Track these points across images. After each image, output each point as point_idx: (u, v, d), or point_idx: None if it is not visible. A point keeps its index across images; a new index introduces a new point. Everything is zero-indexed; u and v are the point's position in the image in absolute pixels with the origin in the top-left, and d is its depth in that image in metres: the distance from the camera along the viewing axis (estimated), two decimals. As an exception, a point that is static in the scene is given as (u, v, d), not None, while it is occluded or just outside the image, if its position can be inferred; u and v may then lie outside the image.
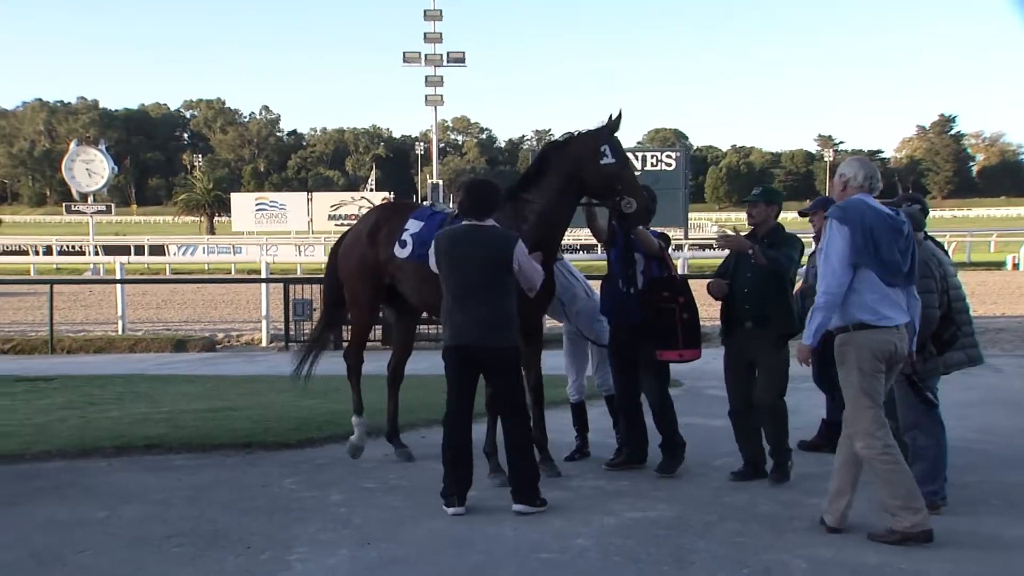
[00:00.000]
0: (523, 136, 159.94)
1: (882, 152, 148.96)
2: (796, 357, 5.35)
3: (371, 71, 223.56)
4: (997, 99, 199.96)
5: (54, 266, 34.02)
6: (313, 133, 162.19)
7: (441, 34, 44.24)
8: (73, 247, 39.58)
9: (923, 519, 4.93)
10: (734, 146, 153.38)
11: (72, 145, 36.88)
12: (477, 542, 5.06)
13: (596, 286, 7.05)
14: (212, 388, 10.11)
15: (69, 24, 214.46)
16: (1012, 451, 7.10)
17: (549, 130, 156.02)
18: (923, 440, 5.60)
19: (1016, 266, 32.73)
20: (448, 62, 44.68)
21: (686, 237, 42.98)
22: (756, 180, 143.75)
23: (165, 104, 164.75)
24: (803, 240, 6.50)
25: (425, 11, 44.16)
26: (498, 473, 6.13)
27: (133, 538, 5.17)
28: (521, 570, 4.66)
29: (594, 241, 6.83)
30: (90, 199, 35.21)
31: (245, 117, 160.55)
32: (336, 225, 53.21)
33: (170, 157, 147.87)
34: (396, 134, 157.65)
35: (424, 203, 7.84)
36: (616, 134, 6.36)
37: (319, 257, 32.24)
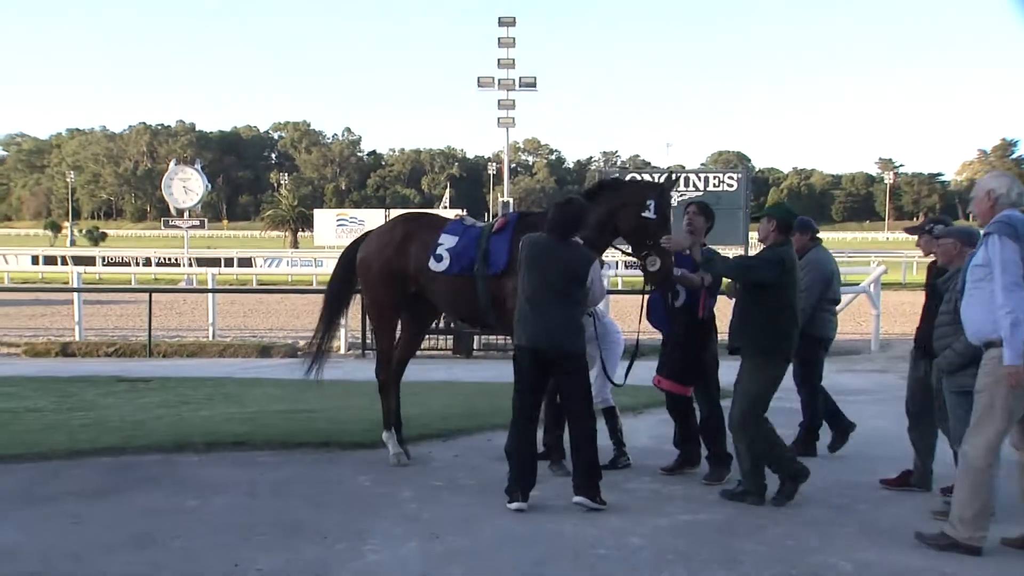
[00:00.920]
0: (590, 157, 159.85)
1: (943, 175, 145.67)
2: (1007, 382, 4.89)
3: (447, 94, 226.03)
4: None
5: (152, 276, 34.98)
6: (391, 153, 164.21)
7: (514, 60, 44.53)
8: (169, 259, 40.68)
9: (980, 538, 4.85)
10: (795, 168, 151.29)
11: (171, 165, 38.00)
12: (538, 538, 5.14)
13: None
14: (294, 391, 10.33)
15: (171, 53, 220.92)
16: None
17: (616, 151, 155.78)
18: (972, 451, 5.53)
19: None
20: (520, 87, 44.94)
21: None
22: (816, 202, 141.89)
23: (255, 126, 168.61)
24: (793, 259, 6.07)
25: (499, 39, 44.52)
26: (560, 466, 6.24)
27: (221, 526, 5.36)
28: (578, 564, 4.73)
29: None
30: (186, 215, 36.20)
31: (328, 138, 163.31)
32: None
33: (258, 175, 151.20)
34: (470, 154, 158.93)
35: (457, 216, 7.83)
36: (667, 194, 6.44)
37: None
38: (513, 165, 50.12)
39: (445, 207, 75.58)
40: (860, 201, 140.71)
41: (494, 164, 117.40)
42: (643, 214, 6.22)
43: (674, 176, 6.47)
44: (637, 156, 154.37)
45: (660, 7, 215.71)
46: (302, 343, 15.43)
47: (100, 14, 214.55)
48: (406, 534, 5.22)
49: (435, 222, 7.11)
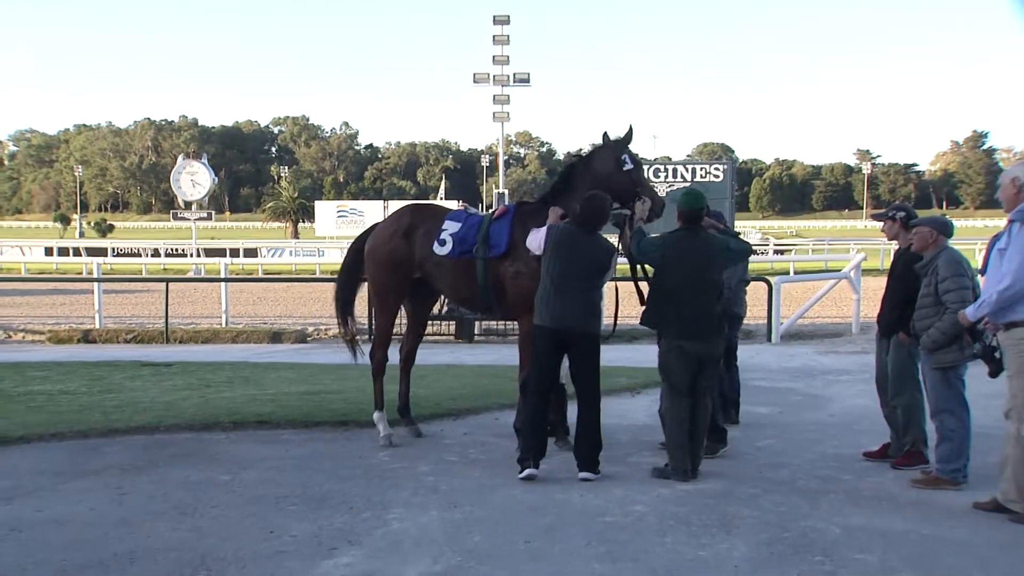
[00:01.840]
0: (580, 149, 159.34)
1: (917, 165, 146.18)
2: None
3: (441, 89, 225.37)
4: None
5: (161, 266, 35.05)
6: (388, 146, 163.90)
7: (508, 56, 44.52)
8: (176, 250, 40.76)
9: None
10: (777, 159, 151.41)
11: (179, 159, 38.04)
12: (548, 507, 5.34)
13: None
14: (308, 375, 10.52)
15: (175, 50, 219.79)
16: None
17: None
18: (951, 423, 5.76)
19: None
20: (514, 82, 44.94)
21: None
22: (798, 191, 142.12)
23: (256, 121, 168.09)
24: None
25: (494, 36, 44.48)
26: (565, 442, 6.47)
27: (253, 497, 5.55)
28: (587, 530, 4.93)
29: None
30: (193, 207, 36.26)
31: (327, 132, 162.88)
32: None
33: (259, 169, 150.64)
34: (464, 147, 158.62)
35: (463, 206, 8.02)
36: (629, 143, 6.69)
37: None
38: (506, 157, 50.00)
39: (441, 198, 75.60)
40: (839, 191, 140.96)
41: (487, 156, 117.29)
42: (624, 168, 6.50)
43: (629, 127, 6.75)
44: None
45: (646, 2, 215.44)
46: (311, 329, 15.72)
47: (106, 14, 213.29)
48: (426, 504, 5.42)
49: (439, 212, 7.28)
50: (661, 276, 6.02)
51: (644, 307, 6.15)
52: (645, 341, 11.25)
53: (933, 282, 5.81)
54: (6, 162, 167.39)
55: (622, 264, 6.55)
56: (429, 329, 14.43)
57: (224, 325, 15.95)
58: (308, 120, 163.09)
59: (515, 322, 7.35)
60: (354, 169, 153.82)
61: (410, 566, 4.42)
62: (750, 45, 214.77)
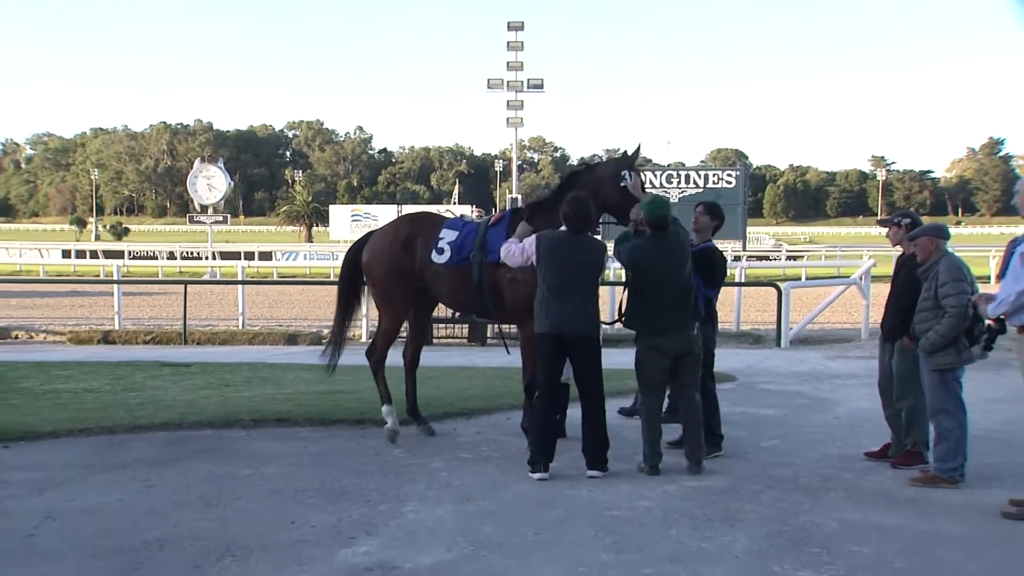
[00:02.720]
0: (594, 155, 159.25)
1: (933, 172, 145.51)
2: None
3: (454, 93, 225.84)
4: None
5: (177, 269, 35.45)
6: (402, 151, 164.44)
7: (522, 63, 44.87)
8: (192, 253, 41.21)
9: None
10: (791, 165, 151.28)
11: (196, 163, 38.49)
12: (558, 501, 5.56)
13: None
14: (325, 375, 10.74)
15: (190, 54, 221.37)
16: (1031, 440, 7.34)
17: (618, 148, 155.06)
18: (948, 423, 5.93)
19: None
20: (528, 88, 45.27)
21: (744, 249, 42.82)
22: (812, 198, 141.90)
23: (270, 125, 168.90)
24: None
25: (508, 42, 44.84)
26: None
27: (274, 490, 5.78)
28: (595, 522, 5.14)
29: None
30: (209, 211, 36.66)
31: (341, 136, 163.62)
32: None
33: (273, 172, 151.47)
34: (477, 152, 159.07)
35: (448, 214, 8.25)
36: (635, 162, 7.01)
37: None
38: (519, 162, 50.34)
39: (454, 203, 75.99)
40: (853, 197, 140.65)
41: (501, 161, 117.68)
42: (621, 184, 6.75)
43: (637, 145, 7.05)
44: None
45: (660, 8, 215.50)
46: (326, 331, 15.92)
47: (122, 19, 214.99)
48: (440, 497, 5.64)
49: (436, 220, 7.47)
50: (635, 279, 6.32)
51: (624, 310, 6.45)
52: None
53: (933, 286, 6.00)
54: (23, 165, 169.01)
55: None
56: (442, 332, 14.76)
57: (241, 327, 16.23)
58: (322, 124, 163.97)
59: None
60: (368, 173, 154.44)
61: (425, 554, 4.64)
62: (765, 50, 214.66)
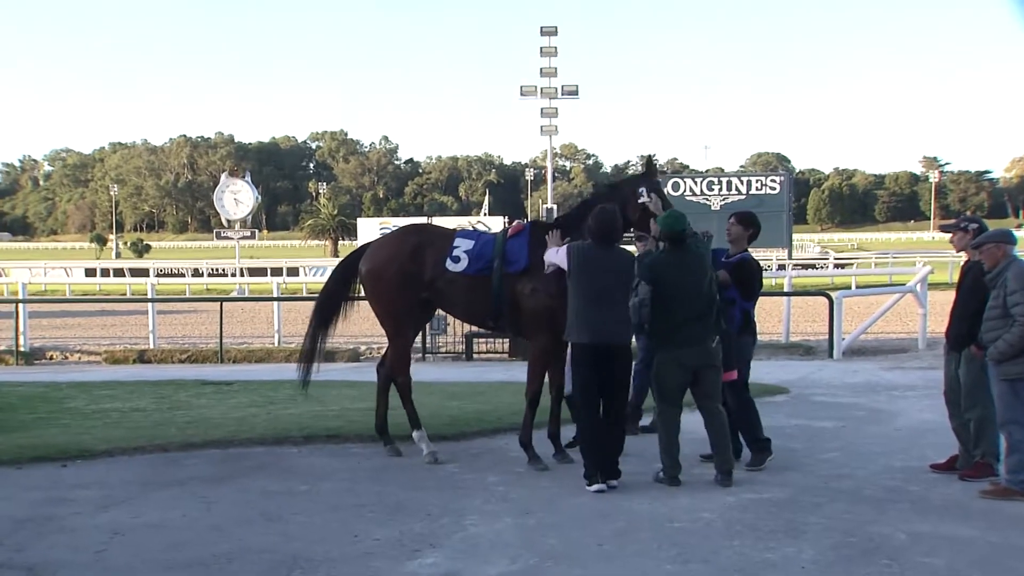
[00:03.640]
0: (628, 162, 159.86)
1: (991, 172, 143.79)
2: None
3: (483, 101, 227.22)
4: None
5: (204, 286, 36.03)
6: (429, 161, 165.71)
7: (556, 69, 45.14)
8: (217, 270, 41.83)
9: None
10: (836, 168, 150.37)
11: (222, 177, 39.20)
12: (617, 514, 5.78)
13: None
14: (368, 392, 10.93)
15: (210, 66, 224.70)
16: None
17: (653, 155, 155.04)
18: (1019, 433, 6.05)
19: None
20: (563, 95, 45.57)
21: (789, 257, 42.74)
22: (859, 202, 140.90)
23: (293, 137, 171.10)
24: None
25: (541, 48, 45.20)
26: (563, 455, 7.05)
27: (333, 505, 6.05)
28: (657, 534, 5.36)
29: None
30: (236, 225, 37.29)
31: (366, 147, 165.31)
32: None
33: (296, 185, 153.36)
34: (507, 161, 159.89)
35: (481, 226, 8.52)
36: (653, 177, 7.39)
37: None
38: (552, 171, 50.71)
39: (484, 214, 76.35)
40: (904, 201, 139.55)
41: (531, 170, 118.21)
42: (640, 200, 7.04)
43: (649, 158, 7.42)
44: (675, 159, 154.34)
45: (695, 9, 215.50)
46: (363, 348, 16.30)
47: (139, 31, 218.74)
48: (499, 511, 5.88)
49: (445, 231, 7.71)
50: (656, 294, 6.51)
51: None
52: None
53: (1002, 294, 6.09)
54: (41, 182, 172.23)
55: None
56: (482, 347, 15.02)
57: (277, 344, 16.60)
58: (347, 135, 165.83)
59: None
60: (394, 185, 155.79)
61: (490, 566, 4.88)
62: (806, 49, 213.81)
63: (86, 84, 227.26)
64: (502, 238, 7.26)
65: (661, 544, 5.17)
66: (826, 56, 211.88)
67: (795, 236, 56.78)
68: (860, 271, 37.19)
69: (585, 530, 5.48)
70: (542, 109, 45.20)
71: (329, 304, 7.94)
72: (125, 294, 29.31)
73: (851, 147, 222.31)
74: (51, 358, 16.01)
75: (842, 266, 42.01)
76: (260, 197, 48.06)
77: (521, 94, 45.67)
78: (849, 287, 27.46)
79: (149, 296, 18.53)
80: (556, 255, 6.71)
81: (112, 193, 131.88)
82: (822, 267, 41.02)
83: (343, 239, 76.98)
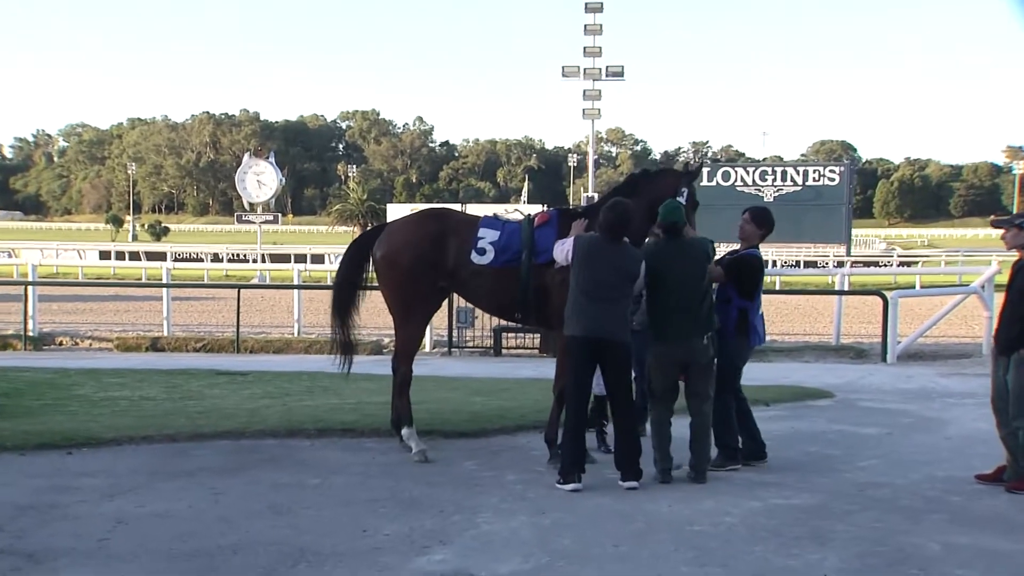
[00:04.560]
0: (679, 148, 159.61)
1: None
2: None
3: (525, 82, 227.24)
4: None
5: (224, 272, 36.64)
6: (465, 144, 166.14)
7: (600, 48, 45.18)
8: (238, 255, 42.49)
9: None
10: (908, 159, 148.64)
11: (245, 157, 39.75)
12: (637, 515, 5.96)
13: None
14: (387, 385, 11.18)
15: (235, 40, 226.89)
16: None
17: (707, 141, 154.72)
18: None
19: None
20: (607, 76, 45.57)
21: (848, 254, 42.42)
22: (932, 195, 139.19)
23: (322, 116, 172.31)
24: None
25: (585, 26, 45.20)
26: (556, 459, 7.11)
27: (344, 500, 6.30)
28: (676, 536, 5.53)
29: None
30: (259, 209, 37.83)
31: (399, 128, 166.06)
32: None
33: (325, 167, 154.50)
34: (548, 145, 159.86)
35: (518, 213, 8.65)
36: (695, 180, 7.48)
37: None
38: (595, 157, 50.64)
39: (524, 201, 76.53)
40: (983, 194, 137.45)
41: (574, 156, 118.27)
42: (678, 199, 7.15)
43: (702, 163, 7.54)
44: (730, 146, 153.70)
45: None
46: (386, 340, 16.56)
47: (161, 2, 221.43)
48: (514, 509, 6.09)
49: (468, 218, 7.82)
50: (649, 284, 6.82)
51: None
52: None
53: None
54: (56, 158, 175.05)
55: None
56: (511, 342, 15.23)
57: (296, 335, 16.95)
58: (379, 115, 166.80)
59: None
60: (428, 169, 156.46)
61: (501, 564, 5.09)
62: (876, 28, 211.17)
63: (104, 56, 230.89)
64: (528, 227, 7.41)
65: (679, 547, 5.34)
66: (898, 35, 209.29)
67: (859, 231, 56.29)
68: (927, 270, 36.88)
69: (602, 530, 5.66)
70: (585, 91, 45.25)
71: (347, 289, 8.09)
72: (140, 279, 29.93)
73: (925, 135, 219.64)
74: (61, 344, 16.51)
75: (907, 264, 41.67)
76: (285, 179, 48.63)
77: (563, 75, 45.69)
78: (913, 287, 27.31)
79: (164, 281, 18.92)
80: (563, 246, 6.93)
81: (130, 172, 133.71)
82: (886, 265, 40.74)
83: (372, 225, 77.44)
